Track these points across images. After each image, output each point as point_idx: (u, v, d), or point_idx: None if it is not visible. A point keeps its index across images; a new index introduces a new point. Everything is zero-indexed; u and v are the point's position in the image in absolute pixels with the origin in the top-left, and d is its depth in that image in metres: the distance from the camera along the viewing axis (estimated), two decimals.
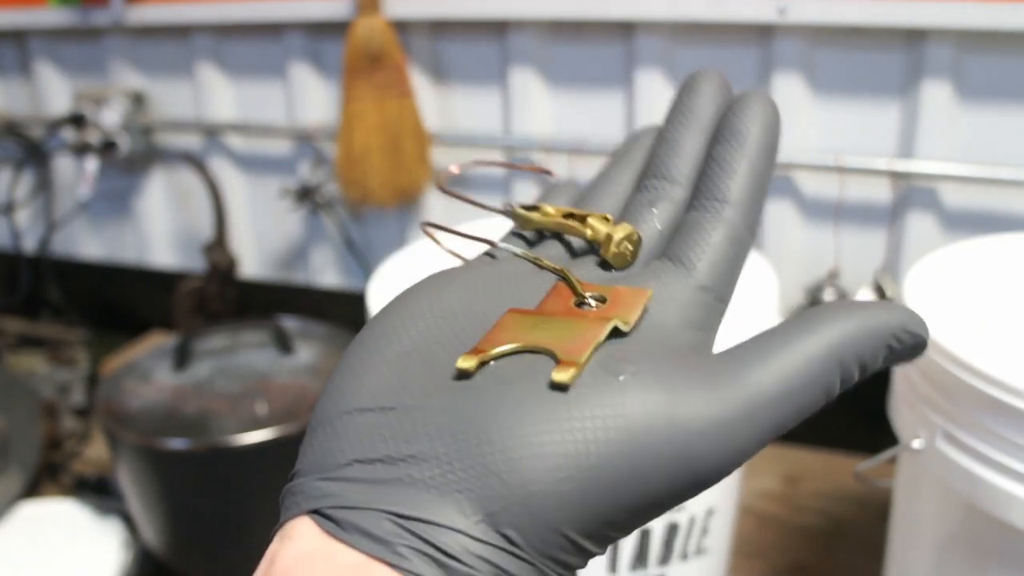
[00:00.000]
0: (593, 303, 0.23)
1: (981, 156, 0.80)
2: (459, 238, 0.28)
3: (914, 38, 0.80)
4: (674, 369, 0.20)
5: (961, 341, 0.48)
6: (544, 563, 0.19)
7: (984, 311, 0.53)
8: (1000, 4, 0.73)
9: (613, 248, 0.25)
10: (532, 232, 0.28)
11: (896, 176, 0.82)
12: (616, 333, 0.22)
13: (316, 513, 0.19)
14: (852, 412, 0.90)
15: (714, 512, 0.61)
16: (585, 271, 0.25)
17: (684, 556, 0.61)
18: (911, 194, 0.84)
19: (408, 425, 0.19)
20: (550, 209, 0.27)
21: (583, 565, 0.20)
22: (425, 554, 0.18)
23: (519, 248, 0.26)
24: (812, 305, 0.88)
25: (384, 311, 0.24)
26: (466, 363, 0.20)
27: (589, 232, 0.25)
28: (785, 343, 0.21)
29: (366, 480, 0.19)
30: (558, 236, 0.27)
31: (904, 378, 0.55)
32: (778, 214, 0.90)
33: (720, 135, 0.26)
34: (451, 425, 0.19)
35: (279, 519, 0.20)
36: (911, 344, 0.22)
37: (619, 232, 0.24)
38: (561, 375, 0.19)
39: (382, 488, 0.19)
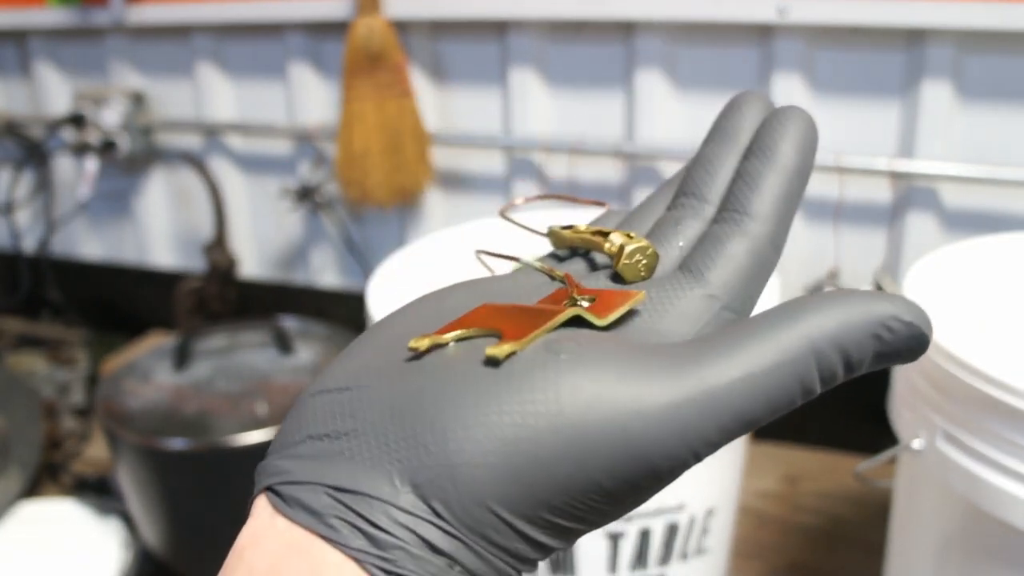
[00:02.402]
0: (585, 304, 0.23)
1: (981, 156, 0.80)
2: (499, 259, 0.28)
3: (914, 38, 0.80)
4: (630, 355, 0.20)
5: (961, 341, 0.48)
6: (475, 541, 0.18)
7: (984, 311, 0.53)
8: (1000, 4, 0.73)
9: (624, 260, 0.24)
10: (565, 250, 0.28)
11: (896, 176, 0.82)
12: (588, 326, 0.21)
13: (269, 490, 0.20)
14: (852, 412, 0.90)
15: (714, 512, 0.61)
16: (595, 283, 0.25)
17: (684, 556, 0.61)
18: (911, 194, 0.84)
19: (356, 403, 0.20)
20: (581, 227, 0.27)
21: (540, 556, 0.19)
22: (354, 526, 0.18)
23: (534, 261, 0.26)
24: None
25: (397, 310, 0.24)
26: (417, 343, 0.20)
27: (607, 246, 0.25)
28: (756, 332, 0.20)
29: (313, 456, 0.19)
30: (586, 254, 0.27)
31: (904, 378, 0.55)
32: None
33: (750, 150, 0.25)
34: (391, 402, 0.19)
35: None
36: (906, 335, 0.20)
37: (632, 244, 0.24)
38: (494, 350, 0.19)
39: (325, 463, 0.19)
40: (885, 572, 0.64)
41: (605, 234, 0.26)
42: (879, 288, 0.83)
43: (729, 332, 0.20)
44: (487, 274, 0.29)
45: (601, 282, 0.25)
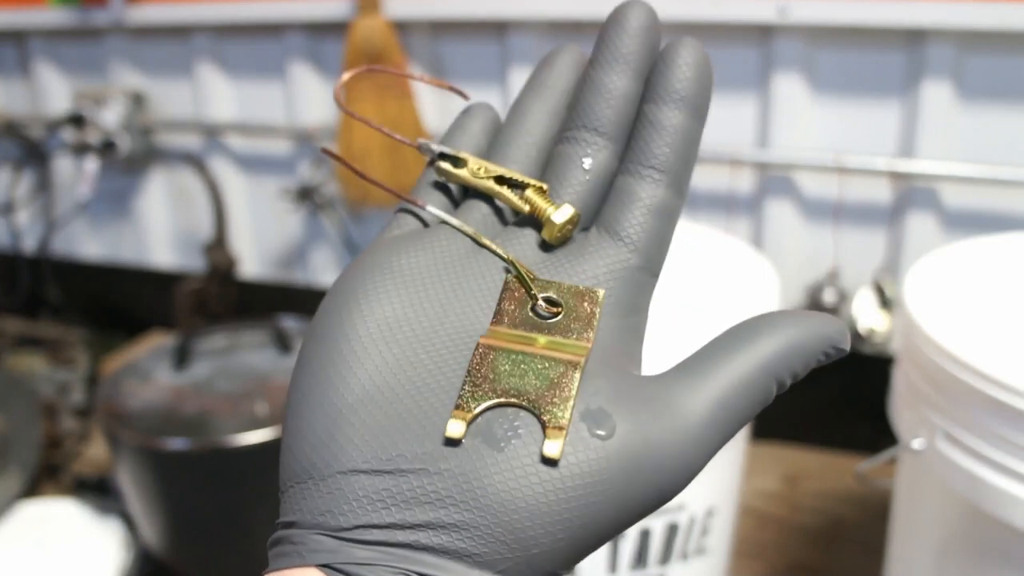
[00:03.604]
0: (544, 305, 0.23)
1: (981, 156, 0.80)
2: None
3: (914, 38, 0.80)
4: (642, 409, 0.22)
5: (961, 341, 0.48)
6: None
7: (984, 311, 0.53)
8: (1000, 4, 0.73)
9: (556, 232, 0.25)
10: (455, 184, 0.27)
11: (896, 176, 0.82)
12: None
13: (327, 567, 0.20)
14: (852, 412, 0.90)
15: (714, 512, 0.61)
16: (525, 249, 0.25)
17: (684, 556, 0.61)
18: (911, 194, 0.84)
19: (408, 492, 0.20)
20: (478, 168, 0.26)
21: None
22: None
23: (453, 218, 0.26)
24: (812, 305, 0.88)
25: (328, 324, 0.23)
26: (455, 431, 0.21)
27: (527, 207, 0.25)
28: (722, 364, 0.23)
29: (375, 543, 0.20)
30: (485, 197, 0.26)
31: (904, 378, 0.55)
32: (778, 214, 0.90)
33: (655, 93, 0.25)
34: (452, 495, 0.20)
35: (269, 563, 0.21)
36: (836, 355, 0.24)
37: (561, 215, 0.24)
38: (551, 448, 0.21)
39: (392, 549, 0.20)
40: (885, 572, 0.64)
41: (512, 184, 0.25)
42: (879, 288, 0.84)
43: (700, 365, 0.23)
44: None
45: (531, 248, 0.25)
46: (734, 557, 0.74)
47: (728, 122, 0.90)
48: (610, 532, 0.21)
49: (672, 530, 0.59)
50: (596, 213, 0.26)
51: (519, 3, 0.91)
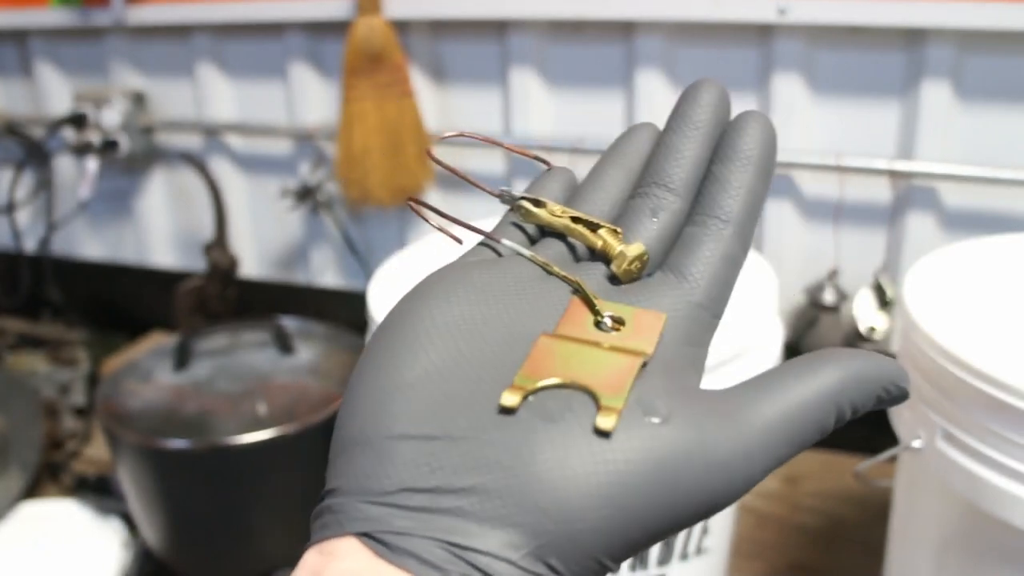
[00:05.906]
0: (610, 322, 0.24)
1: (981, 156, 0.80)
2: (462, 227, 0.28)
3: (914, 38, 0.80)
4: (699, 408, 0.22)
5: (961, 341, 0.48)
6: None
7: (984, 311, 0.53)
8: (1000, 4, 0.73)
9: (625, 266, 0.26)
10: (532, 226, 0.28)
11: (896, 176, 0.82)
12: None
13: (365, 536, 0.20)
14: None
15: None
16: (593, 281, 0.26)
17: (684, 556, 0.61)
18: (911, 194, 0.84)
19: (456, 458, 0.20)
20: (556, 209, 0.27)
21: None
22: None
23: (527, 250, 0.27)
24: (812, 305, 0.88)
25: (396, 321, 0.24)
26: (510, 401, 0.21)
27: (600, 243, 0.26)
28: (790, 384, 0.23)
29: (416, 508, 0.20)
30: (559, 234, 0.28)
31: None
32: (778, 214, 0.90)
33: (722, 153, 0.27)
34: (500, 461, 0.20)
35: (311, 534, 0.21)
36: (898, 395, 0.25)
37: (632, 251, 0.26)
38: (604, 422, 0.21)
39: (432, 516, 0.20)
40: (885, 572, 0.64)
41: (588, 225, 0.27)
42: (879, 288, 0.84)
43: (767, 383, 0.23)
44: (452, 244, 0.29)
45: (599, 281, 0.26)
46: (734, 557, 0.74)
47: None
48: (656, 526, 0.21)
49: None
50: (662, 262, 0.27)
51: (519, 3, 0.91)
